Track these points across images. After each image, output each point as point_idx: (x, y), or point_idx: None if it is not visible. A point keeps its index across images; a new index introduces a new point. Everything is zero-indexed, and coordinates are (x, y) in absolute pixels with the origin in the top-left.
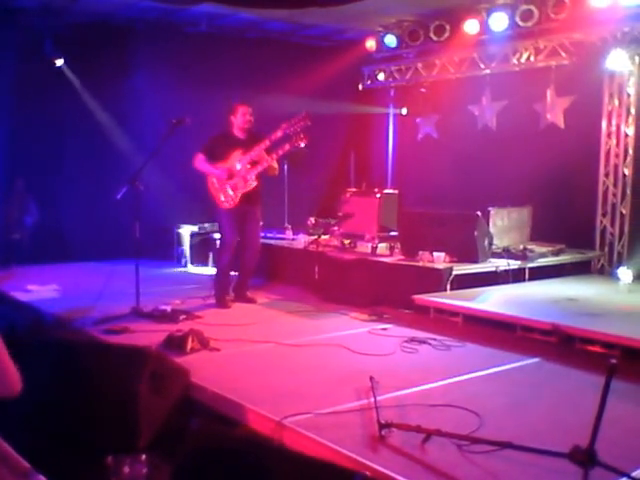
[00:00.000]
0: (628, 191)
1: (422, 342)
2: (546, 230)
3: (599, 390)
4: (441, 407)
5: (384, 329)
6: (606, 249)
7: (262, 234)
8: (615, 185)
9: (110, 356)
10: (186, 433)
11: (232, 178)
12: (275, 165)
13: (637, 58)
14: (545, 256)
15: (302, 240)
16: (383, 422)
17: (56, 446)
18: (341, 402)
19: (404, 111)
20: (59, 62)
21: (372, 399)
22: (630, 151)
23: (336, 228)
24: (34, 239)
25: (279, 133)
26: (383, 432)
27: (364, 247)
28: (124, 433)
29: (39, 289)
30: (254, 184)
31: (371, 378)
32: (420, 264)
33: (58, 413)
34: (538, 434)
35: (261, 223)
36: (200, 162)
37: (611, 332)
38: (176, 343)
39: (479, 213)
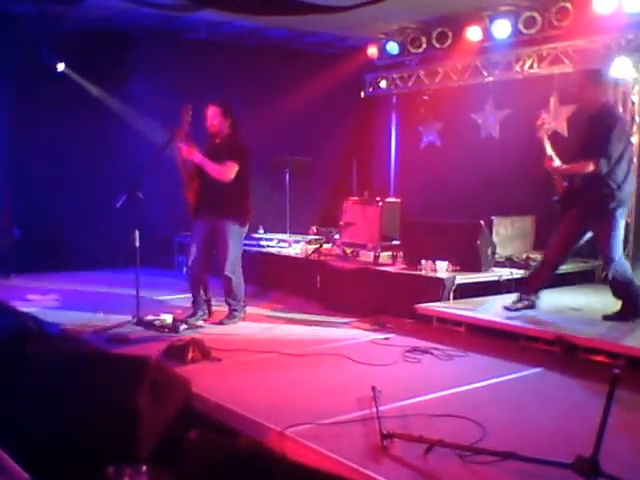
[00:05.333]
0: (633, 200)
1: (425, 352)
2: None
3: (603, 400)
4: (443, 417)
5: (386, 339)
6: None
7: (264, 243)
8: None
9: (110, 366)
10: (185, 443)
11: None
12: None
13: None
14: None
15: (304, 249)
16: (385, 432)
17: (56, 456)
18: (343, 412)
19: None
20: (60, 67)
21: (374, 409)
22: (635, 159)
23: (338, 237)
24: (34, 248)
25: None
26: (385, 442)
27: (366, 256)
28: (124, 443)
29: (39, 298)
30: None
31: (373, 388)
32: (423, 273)
33: (57, 423)
34: (541, 444)
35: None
36: None
37: (615, 342)
38: (176, 353)
39: (482, 222)
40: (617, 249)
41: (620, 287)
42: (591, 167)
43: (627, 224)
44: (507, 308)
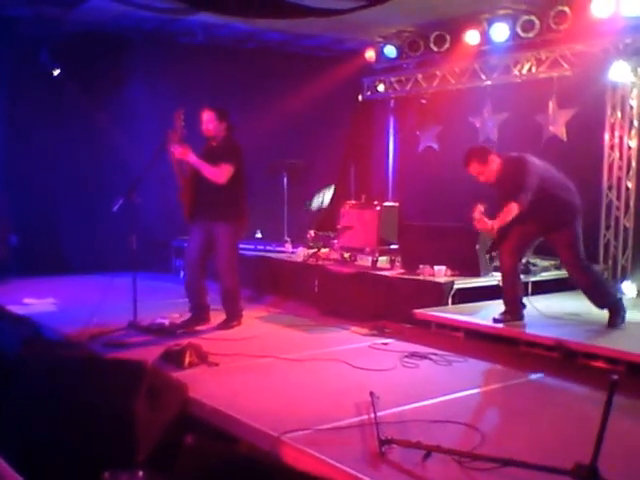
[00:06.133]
0: (631, 204)
1: (423, 357)
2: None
3: (602, 406)
4: (442, 423)
5: (385, 344)
6: (610, 263)
7: (261, 247)
8: (618, 198)
9: (107, 371)
10: (182, 448)
11: None
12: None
13: None
14: (548, 270)
15: (301, 253)
16: (383, 438)
17: (52, 462)
18: (341, 418)
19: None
20: (56, 72)
21: (372, 415)
22: (633, 164)
23: (336, 241)
24: (30, 252)
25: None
26: (383, 448)
27: (364, 260)
28: (121, 448)
29: (35, 302)
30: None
31: (371, 393)
32: (421, 278)
33: (54, 428)
34: (540, 451)
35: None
36: None
37: (615, 347)
38: (174, 357)
39: None
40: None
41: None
42: (517, 208)
43: (625, 228)
44: (495, 320)
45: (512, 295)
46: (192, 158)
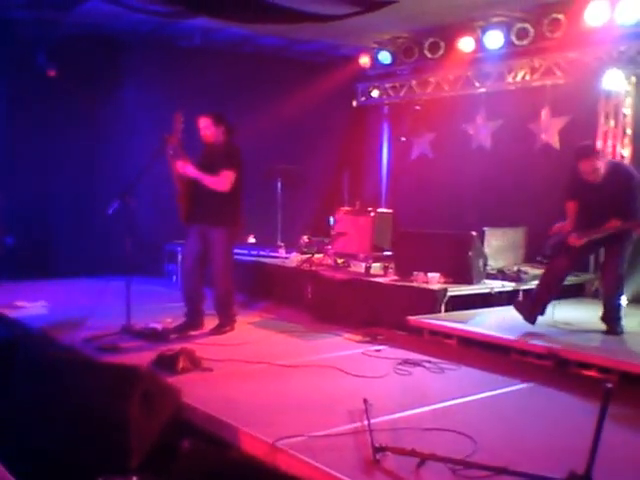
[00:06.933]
0: None
1: (416, 364)
2: (541, 251)
3: (595, 415)
4: (435, 431)
5: (377, 350)
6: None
7: (255, 252)
8: None
9: (100, 375)
10: (177, 454)
11: None
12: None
13: (633, 78)
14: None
15: (295, 259)
16: (377, 446)
17: (46, 466)
18: (335, 425)
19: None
20: (52, 73)
21: (366, 422)
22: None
23: (329, 247)
24: (22, 254)
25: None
26: (378, 456)
27: (358, 267)
28: (115, 453)
29: (27, 305)
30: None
31: (365, 400)
32: (414, 285)
33: (47, 432)
34: (534, 459)
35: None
36: None
37: (608, 356)
38: (167, 362)
39: (474, 233)
40: None
41: None
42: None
43: None
44: (515, 303)
45: (544, 296)
46: (192, 171)
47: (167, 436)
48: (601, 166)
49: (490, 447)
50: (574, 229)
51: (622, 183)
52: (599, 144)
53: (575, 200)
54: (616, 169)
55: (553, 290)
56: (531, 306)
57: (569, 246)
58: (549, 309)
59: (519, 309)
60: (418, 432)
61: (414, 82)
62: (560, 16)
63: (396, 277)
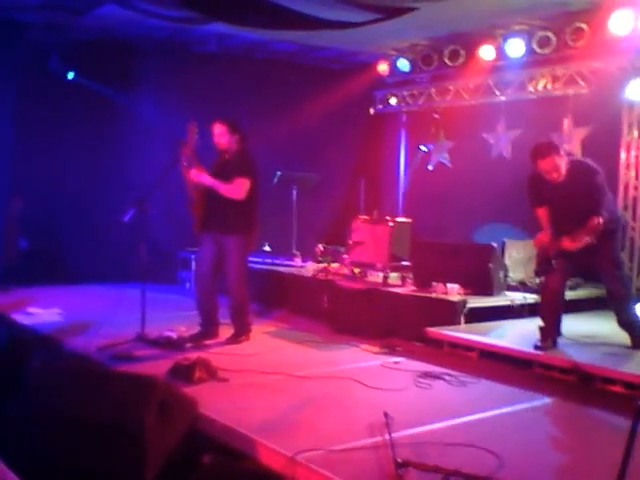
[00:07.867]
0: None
1: (436, 377)
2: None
3: (621, 432)
4: (458, 446)
5: (396, 362)
6: None
7: (270, 261)
8: (634, 219)
9: (116, 384)
10: (199, 467)
11: None
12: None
13: None
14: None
15: (311, 268)
16: (400, 461)
17: (59, 477)
18: (355, 438)
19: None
20: (70, 75)
21: (387, 436)
22: None
23: (346, 256)
24: (36, 260)
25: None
26: (400, 471)
27: (375, 276)
28: (130, 465)
29: (41, 312)
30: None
31: (385, 414)
32: (433, 296)
33: (60, 442)
34: (559, 477)
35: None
36: None
37: (634, 372)
38: (183, 372)
39: (494, 244)
40: None
41: None
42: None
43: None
44: (537, 347)
45: (552, 317)
46: (207, 180)
47: (183, 448)
48: (561, 163)
49: (514, 464)
50: (554, 236)
51: (587, 179)
52: (622, 155)
53: (543, 206)
54: (578, 166)
55: (557, 307)
56: (543, 334)
57: (558, 255)
58: (571, 323)
59: (545, 348)
60: (440, 447)
61: (433, 90)
62: (583, 25)
63: (414, 288)
